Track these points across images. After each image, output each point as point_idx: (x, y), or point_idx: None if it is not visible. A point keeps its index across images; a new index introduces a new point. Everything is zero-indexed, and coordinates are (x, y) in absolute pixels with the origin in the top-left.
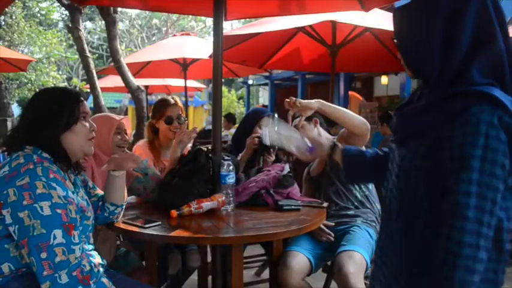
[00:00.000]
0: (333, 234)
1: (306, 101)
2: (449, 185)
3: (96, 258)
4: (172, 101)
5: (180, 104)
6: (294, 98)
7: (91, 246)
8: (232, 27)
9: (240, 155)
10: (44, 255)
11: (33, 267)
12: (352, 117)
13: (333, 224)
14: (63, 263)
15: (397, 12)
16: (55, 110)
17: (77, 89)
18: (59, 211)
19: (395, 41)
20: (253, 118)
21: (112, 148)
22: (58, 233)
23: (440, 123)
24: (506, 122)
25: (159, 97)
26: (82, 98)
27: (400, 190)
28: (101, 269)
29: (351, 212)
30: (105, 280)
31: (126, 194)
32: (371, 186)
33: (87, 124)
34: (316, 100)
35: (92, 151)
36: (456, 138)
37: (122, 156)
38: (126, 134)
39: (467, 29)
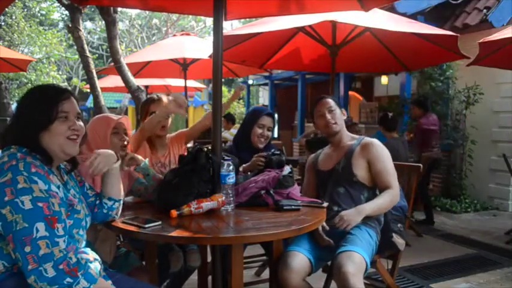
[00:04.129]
0: (332, 241)
1: (350, 218)
2: None
3: (90, 254)
4: (155, 97)
5: (165, 100)
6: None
7: (84, 243)
8: (232, 27)
9: (243, 166)
10: (27, 249)
11: (19, 263)
12: (388, 206)
13: (328, 228)
14: (47, 256)
15: None
16: (32, 110)
17: (77, 89)
18: (40, 204)
19: None
20: (252, 118)
21: (110, 148)
22: (41, 226)
23: None
24: None
25: None
26: (65, 97)
27: None
28: (98, 265)
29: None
30: (92, 271)
31: (122, 188)
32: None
33: (65, 123)
34: (357, 214)
35: (75, 151)
36: None
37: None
38: (126, 134)
39: None
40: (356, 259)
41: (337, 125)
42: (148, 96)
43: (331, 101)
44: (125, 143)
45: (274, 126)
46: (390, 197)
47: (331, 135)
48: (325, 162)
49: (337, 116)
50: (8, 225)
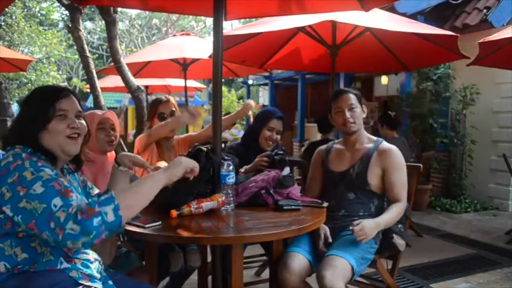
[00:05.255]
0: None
1: (369, 232)
2: None
3: (91, 254)
4: (164, 98)
5: (173, 101)
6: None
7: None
8: (232, 27)
9: (245, 167)
10: (52, 224)
11: (50, 241)
12: (395, 220)
13: (330, 240)
14: (66, 218)
15: None
16: (31, 110)
17: (77, 88)
18: (51, 184)
19: None
20: (262, 120)
21: (96, 144)
22: (57, 200)
23: None
24: None
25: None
26: (63, 95)
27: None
28: (98, 265)
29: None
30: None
31: None
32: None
33: (63, 122)
34: (375, 228)
35: (75, 150)
36: None
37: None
38: (112, 129)
39: None
40: (338, 264)
41: (356, 124)
42: (156, 97)
43: (352, 97)
44: (112, 138)
45: (283, 130)
46: (399, 211)
47: (347, 135)
48: (337, 162)
49: (357, 115)
50: (28, 214)
